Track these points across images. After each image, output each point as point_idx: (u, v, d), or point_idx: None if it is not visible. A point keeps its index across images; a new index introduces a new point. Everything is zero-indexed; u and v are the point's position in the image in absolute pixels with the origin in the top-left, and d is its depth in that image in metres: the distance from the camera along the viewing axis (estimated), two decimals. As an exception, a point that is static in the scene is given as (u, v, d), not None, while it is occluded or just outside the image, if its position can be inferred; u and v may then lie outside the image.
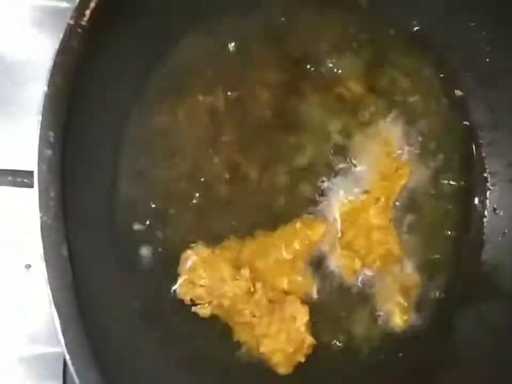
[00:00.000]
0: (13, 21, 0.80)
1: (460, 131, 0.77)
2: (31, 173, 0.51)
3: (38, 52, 0.79)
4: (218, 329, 0.69)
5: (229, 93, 0.71)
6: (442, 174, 0.76)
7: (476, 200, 0.76)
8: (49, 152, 0.47)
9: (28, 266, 0.78)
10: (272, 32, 0.73)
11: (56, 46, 0.49)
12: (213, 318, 0.69)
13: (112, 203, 0.64)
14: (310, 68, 0.73)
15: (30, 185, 0.61)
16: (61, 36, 0.48)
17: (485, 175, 0.77)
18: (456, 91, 0.77)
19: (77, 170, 0.51)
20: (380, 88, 0.75)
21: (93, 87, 0.53)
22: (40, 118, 0.47)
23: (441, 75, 0.77)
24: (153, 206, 0.68)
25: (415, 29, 0.75)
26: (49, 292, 0.47)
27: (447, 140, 0.76)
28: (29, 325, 0.78)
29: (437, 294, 0.75)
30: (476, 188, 0.76)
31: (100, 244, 0.60)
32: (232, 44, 0.71)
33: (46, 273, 0.47)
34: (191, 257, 0.68)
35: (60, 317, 0.47)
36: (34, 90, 0.76)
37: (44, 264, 0.47)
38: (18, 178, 0.65)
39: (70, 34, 0.47)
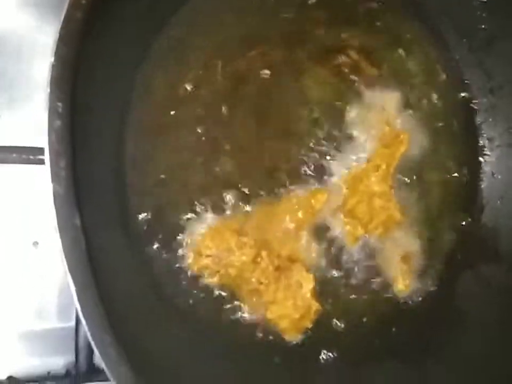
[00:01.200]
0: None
1: (456, 98, 0.78)
2: (39, 149, 0.51)
3: (42, 28, 0.79)
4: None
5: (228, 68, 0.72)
6: (441, 141, 0.77)
7: (475, 165, 0.77)
8: (58, 122, 0.47)
9: (36, 243, 0.79)
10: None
11: (61, 19, 0.49)
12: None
13: (121, 171, 0.65)
14: (308, 37, 0.74)
15: (38, 162, 0.62)
16: (65, 8, 0.48)
17: (483, 140, 0.78)
18: (452, 58, 0.77)
19: (86, 139, 0.52)
20: (377, 57, 0.75)
21: (99, 57, 0.53)
22: (48, 89, 0.47)
23: (437, 42, 0.77)
24: (162, 176, 0.69)
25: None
26: (64, 260, 0.47)
27: (444, 106, 0.77)
28: (39, 301, 0.79)
29: (438, 258, 0.76)
30: (474, 153, 0.78)
31: (110, 213, 0.61)
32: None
33: (60, 242, 0.47)
34: (197, 228, 0.69)
35: (75, 284, 0.47)
36: (41, 68, 0.78)
37: (57, 233, 0.48)
38: (26, 155, 0.66)
39: (74, 6, 0.48)
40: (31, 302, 0.79)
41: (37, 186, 0.76)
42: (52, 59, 0.47)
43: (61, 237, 0.48)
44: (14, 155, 0.67)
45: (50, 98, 0.47)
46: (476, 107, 0.78)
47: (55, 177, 0.47)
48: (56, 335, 0.79)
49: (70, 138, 0.48)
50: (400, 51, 0.76)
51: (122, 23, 0.56)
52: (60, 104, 0.47)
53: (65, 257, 0.47)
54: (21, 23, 0.80)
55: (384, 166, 0.73)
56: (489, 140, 0.78)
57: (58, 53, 0.48)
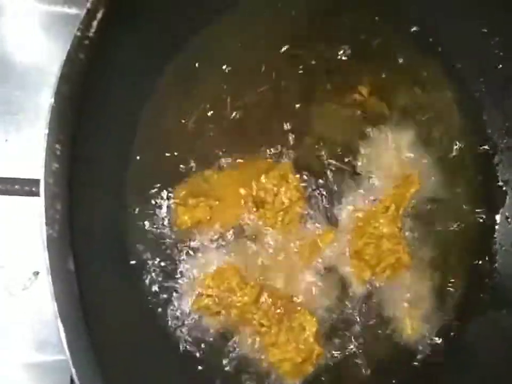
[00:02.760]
0: (23, 28, 0.80)
1: (472, 139, 0.76)
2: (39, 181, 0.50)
3: (47, 58, 0.79)
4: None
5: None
6: (455, 183, 0.74)
7: (489, 209, 0.75)
8: (56, 165, 0.46)
9: (36, 273, 0.78)
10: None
11: (64, 55, 0.48)
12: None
13: (120, 216, 0.64)
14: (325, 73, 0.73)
15: (38, 194, 0.61)
16: (68, 46, 0.47)
17: (498, 183, 0.75)
18: (468, 98, 0.75)
19: (84, 182, 0.51)
20: (391, 95, 0.74)
21: (100, 97, 0.52)
22: (46, 131, 0.46)
23: (454, 82, 0.75)
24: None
25: (427, 35, 0.74)
26: (55, 305, 0.46)
27: (459, 147, 0.75)
28: (37, 332, 0.78)
29: (448, 303, 0.74)
30: (488, 197, 0.75)
31: (107, 257, 0.60)
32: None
33: (51, 286, 0.46)
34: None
35: (65, 331, 0.46)
36: (44, 97, 0.78)
37: (49, 277, 0.47)
38: (27, 187, 0.65)
39: (76, 46, 0.47)
40: (30, 333, 0.77)
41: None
42: (52, 100, 0.46)
43: (53, 281, 0.46)
44: (17, 186, 0.66)
45: (49, 140, 0.46)
46: (492, 148, 0.75)
47: (49, 220, 0.46)
48: (54, 367, 0.77)
49: (67, 181, 0.47)
50: (416, 89, 0.74)
51: (125, 61, 0.55)
52: (58, 146, 0.46)
53: (56, 302, 0.46)
54: (29, 50, 0.80)
55: (393, 207, 0.71)
56: (505, 182, 0.75)
57: (58, 94, 0.47)
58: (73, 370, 0.47)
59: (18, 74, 0.79)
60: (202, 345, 0.68)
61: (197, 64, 0.70)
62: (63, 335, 0.47)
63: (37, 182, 0.61)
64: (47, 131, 0.46)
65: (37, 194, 0.62)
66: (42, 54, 0.80)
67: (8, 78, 0.79)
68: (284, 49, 0.72)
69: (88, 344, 0.48)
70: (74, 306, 0.47)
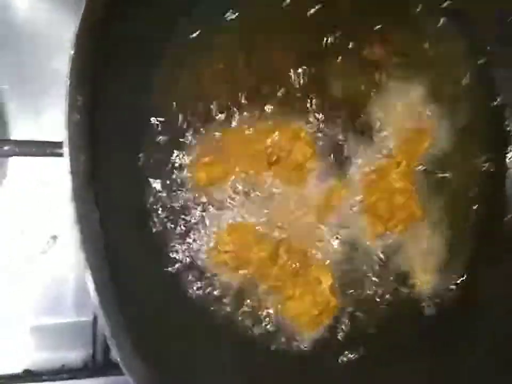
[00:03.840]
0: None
1: (483, 92, 0.76)
2: (58, 143, 0.51)
3: (59, 24, 0.79)
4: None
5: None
6: (466, 136, 0.75)
7: (500, 161, 0.76)
8: (77, 116, 0.47)
9: (55, 237, 0.79)
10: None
11: (81, 12, 0.49)
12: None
13: (142, 166, 0.65)
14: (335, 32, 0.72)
15: (58, 155, 0.62)
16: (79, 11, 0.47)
17: (509, 136, 0.76)
18: (479, 52, 0.75)
19: (106, 133, 0.51)
20: (403, 49, 0.74)
21: (119, 47, 0.53)
22: (67, 82, 0.47)
23: (466, 37, 0.75)
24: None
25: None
26: (83, 254, 0.47)
27: (469, 101, 0.75)
28: (56, 294, 0.79)
29: (461, 255, 0.75)
30: (499, 149, 0.76)
31: (129, 209, 0.61)
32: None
33: (78, 236, 0.47)
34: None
35: (93, 279, 0.47)
36: (56, 63, 0.78)
37: (76, 227, 0.47)
38: (46, 148, 0.66)
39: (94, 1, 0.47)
40: (49, 296, 0.79)
41: (57, 179, 0.76)
42: (72, 51, 0.47)
43: (80, 231, 0.47)
44: (34, 149, 0.67)
45: (70, 92, 0.47)
46: (501, 103, 0.76)
47: (74, 171, 0.47)
48: (73, 329, 0.79)
49: (90, 132, 0.47)
50: (426, 44, 0.74)
51: (142, 10, 0.55)
52: (79, 98, 0.47)
53: (84, 252, 0.47)
54: (38, 16, 0.80)
55: (405, 162, 0.72)
56: (516, 136, 0.76)
57: (77, 45, 0.47)
58: (100, 317, 0.48)
59: (29, 40, 0.79)
60: (224, 300, 0.69)
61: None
62: (91, 284, 0.48)
63: (53, 144, 0.62)
64: (67, 82, 0.47)
65: (53, 155, 0.64)
66: (53, 20, 0.80)
67: (18, 44, 0.79)
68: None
69: (115, 293, 0.49)
70: (100, 256, 0.48)
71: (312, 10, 0.72)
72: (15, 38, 0.79)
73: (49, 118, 0.77)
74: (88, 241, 0.47)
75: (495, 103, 0.76)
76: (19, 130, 0.77)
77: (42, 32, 0.80)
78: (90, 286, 0.48)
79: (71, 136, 0.47)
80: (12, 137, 0.76)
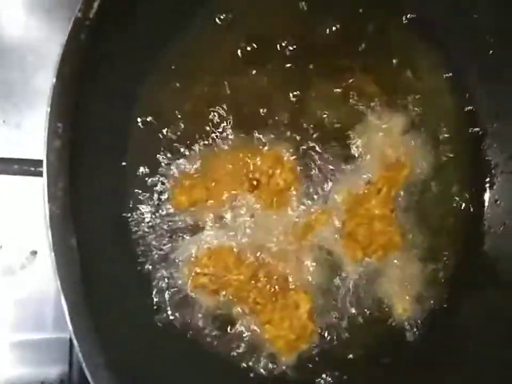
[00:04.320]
0: (22, 9, 0.80)
1: (463, 123, 0.77)
2: (40, 161, 0.51)
3: (46, 40, 0.80)
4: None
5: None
6: (445, 166, 0.76)
7: (478, 191, 0.77)
8: (57, 143, 0.47)
9: (34, 252, 0.79)
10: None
11: (65, 36, 0.49)
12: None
13: (122, 190, 0.65)
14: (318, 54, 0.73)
15: (39, 174, 0.62)
16: (69, 27, 0.48)
17: (487, 166, 0.77)
18: (460, 82, 0.76)
19: (86, 159, 0.52)
20: (384, 78, 0.74)
21: (101, 76, 0.53)
22: (48, 109, 0.47)
23: (447, 67, 0.76)
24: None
25: (421, 22, 0.75)
26: (58, 281, 0.47)
27: (449, 130, 0.76)
28: (35, 310, 0.79)
29: (439, 283, 0.75)
30: (477, 179, 0.77)
31: (108, 233, 0.61)
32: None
33: (54, 263, 0.47)
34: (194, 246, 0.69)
35: (68, 306, 0.47)
36: (42, 79, 0.78)
37: (52, 254, 0.48)
38: (27, 166, 0.66)
39: (77, 27, 0.48)
40: (28, 311, 0.79)
41: (37, 194, 0.76)
42: (53, 79, 0.47)
43: (56, 258, 0.47)
44: (16, 166, 0.67)
45: (50, 118, 0.47)
46: (481, 132, 0.77)
47: (52, 198, 0.47)
48: (51, 345, 0.79)
49: (70, 158, 0.48)
50: (408, 73, 0.75)
51: (125, 42, 0.56)
52: (59, 124, 0.47)
53: (59, 279, 0.47)
54: (27, 32, 0.80)
55: (385, 189, 0.73)
56: (494, 166, 0.77)
57: (60, 72, 0.47)
58: (75, 342, 0.48)
59: (16, 56, 0.79)
60: (201, 324, 0.70)
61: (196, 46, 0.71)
62: (66, 310, 0.48)
63: (34, 162, 0.62)
64: (48, 109, 0.47)
65: (33, 174, 0.64)
66: (41, 36, 0.80)
67: (6, 59, 0.79)
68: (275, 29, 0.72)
69: (90, 319, 0.49)
70: (76, 283, 0.48)
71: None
72: (2, 54, 0.79)
73: (33, 135, 0.77)
74: (63, 269, 0.47)
75: (475, 131, 0.77)
76: (1, 148, 0.77)
77: (30, 47, 0.80)
78: (66, 313, 0.48)
79: (50, 163, 0.47)
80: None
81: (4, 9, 0.80)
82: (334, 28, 0.73)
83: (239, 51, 0.71)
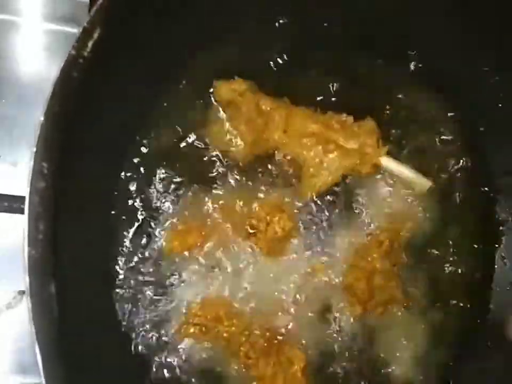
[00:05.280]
0: (24, 45, 0.80)
1: (471, 177, 0.74)
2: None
3: (46, 77, 0.79)
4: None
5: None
6: (451, 220, 0.73)
7: (485, 249, 0.74)
8: (42, 184, 0.45)
9: (22, 292, 0.76)
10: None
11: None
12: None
13: (106, 242, 0.63)
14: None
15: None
16: (60, 66, 0.46)
17: (495, 223, 0.74)
18: (468, 136, 0.74)
19: (70, 203, 0.49)
20: (389, 134, 0.73)
21: (92, 116, 0.51)
22: (34, 149, 0.45)
23: (454, 121, 0.74)
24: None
25: (426, 72, 0.73)
26: (33, 330, 0.45)
27: (457, 186, 0.74)
28: (21, 353, 0.76)
29: (442, 344, 0.72)
30: (485, 236, 0.74)
31: (91, 280, 0.59)
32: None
33: (30, 310, 0.45)
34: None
35: (42, 358, 0.45)
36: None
37: (29, 299, 0.45)
38: (16, 203, 0.64)
39: (70, 64, 0.46)
40: (15, 353, 0.76)
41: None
42: (41, 118, 0.45)
43: (32, 303, 0.45)
44: (6, 204, 0.65)
45: (35, 158, 0.45)
46: (491, 188, 0.74)
47: (32, 241, 0.45)
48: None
49: (53, 201, 0.45)
50: (413, 126, 0.73)
51: (119, 83, 0.54)
52: (45, 164, 0.45)
53: (35, 328, 0.44)
54: (29, 68, 0.80)
55: (387, 242, 0.70)
56: (502, 222, 0.74)
57: (48, 112, 0.46)
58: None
59: (16, 91, 0.79)
60: (190, 378, 0.66)
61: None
62: (39, 360, 0.45)
63: (20, 198, 0.61)
64: (34, 149, 0.45)
65: (20, 211, 0.62)
66: (41, 72, 0.79)
67: (5, 94, 0.78)
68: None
69: (64, 371, 0.46)
70: (53, 331, 0.46)
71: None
72: (3, 90, 0.78)
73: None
74: (39, 317, 0.44)
75: (485, 190, 0.74)
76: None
77: (30, 83, 0.79)
78: (39, 362, 0.45)
79: (32, 204, 0.45)
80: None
81: (5, 47, 0.80)
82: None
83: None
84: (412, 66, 0.74)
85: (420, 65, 0.74)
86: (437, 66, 0.73)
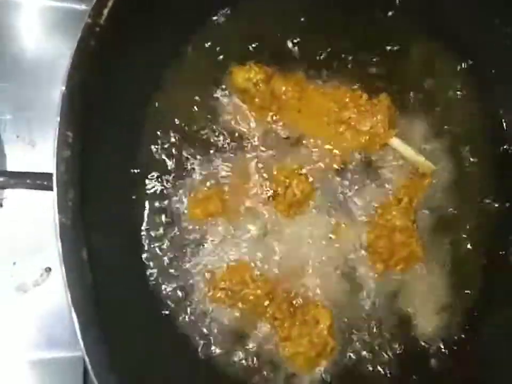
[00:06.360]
0: (33, 25, 0.81)
1: (488, 133, 0.75)
2: (51, 175, 0.50)
3: (57, 55, 0.79)
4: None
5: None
6: (469, 174, 0.74)
7: (503, 201, 0.74)
8: (67, 152, 0.46)
9: (48, 269, 0.78)
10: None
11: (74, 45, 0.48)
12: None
13: (133, 207, 0.64)
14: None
15: (50, 188, 0.61)
16: (79, 35, 0.47)
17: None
18: (483, 91, 0.74)
19: (96, 169, 0.50)
20: (406, 90, 0.73)
21: (111, 84, 0.52)
22: (58, 118, 0.46)
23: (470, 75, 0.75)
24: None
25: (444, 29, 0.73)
26: (69, 295, 0.46)
27: (475, 141, 0.74)
28: (49, 329, 0.77)
29: (464, 298, 0.72)
30: (503, 187, 0.74)
31: (120, 246, 0.60)
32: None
33: (65, 276, 0.46)
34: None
35: (79, 321, 0.46)
36: (55, 93, 0.78)
37: (62, 267, 0.46)
38: (38, 180, 0.65)
39: (87, 33, 0.47)
40: (42, 330, 0.77)
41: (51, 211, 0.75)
42: (63, 88, 0.46)
43: (66, 271, 0.46)
44: (29, 181, 0.66)
45: (60, 128, 0.46)
46: (507, 144, 0.75)
47: (61, 208, 0.46)
48: (65, 364, 0.77)
49: (79, 168, 0.46)
50: (429, 81, 0.74)
51: (136, 48, 0.55)
52: (69, 133, 0.46)
53: (70, 293, 0.45)
54: (40, 47, 0.81)
55: (406, 200, 0.70)
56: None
57: (69, 81, 0.46)
58: (86, 360, 0.46)
59: (29, 71, 0.79)
60: (217, 339, 0.67)
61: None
62: (76, 325, 0.46)
63: (48, 176, 0.62)
64: (58, 118, 0.46)
65: (47, 188, 0.63)
66: (53, 51, 0.80)
67: (19, 74, 0.79)
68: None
69: (101, 334, 0.47)
70: (87, 296, 0.47)
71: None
72: (18, 70, 0.79)
73: (46, 151, 0.76)
74: (73, 282, 0.45)
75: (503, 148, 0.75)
76: (16, 161, 0.77)
77: (42, 62, 0.80)
78: (76, 327, 0.47)
79: (60, 173, 0.46)
80: (9, 168, 0.76)
81: (20, 28, 0.80)
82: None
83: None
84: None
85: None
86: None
